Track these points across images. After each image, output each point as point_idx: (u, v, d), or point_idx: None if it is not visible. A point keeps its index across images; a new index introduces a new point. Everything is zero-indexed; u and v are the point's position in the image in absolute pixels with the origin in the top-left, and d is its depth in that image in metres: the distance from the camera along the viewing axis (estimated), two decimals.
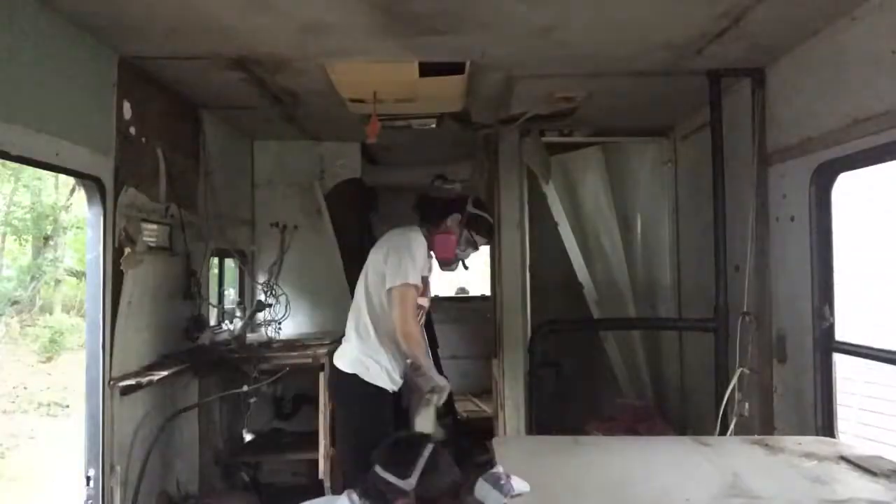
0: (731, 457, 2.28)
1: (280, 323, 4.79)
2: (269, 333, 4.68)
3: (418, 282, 3.15)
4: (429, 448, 2.18)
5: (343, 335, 3.40)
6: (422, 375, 3.16)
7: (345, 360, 3.24)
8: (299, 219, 5.20)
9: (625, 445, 2.55)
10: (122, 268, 3.10)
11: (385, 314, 3.18)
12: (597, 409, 4.90)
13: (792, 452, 2.23)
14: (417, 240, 3.23)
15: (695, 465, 2.25)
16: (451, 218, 3.33)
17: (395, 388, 3.27)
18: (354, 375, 3.17)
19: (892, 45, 2.37)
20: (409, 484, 2.10)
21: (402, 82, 3.55)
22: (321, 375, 4.01)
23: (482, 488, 1.97)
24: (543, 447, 2.61)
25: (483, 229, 3.42)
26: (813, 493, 1.88)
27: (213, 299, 4.61)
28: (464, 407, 7.08)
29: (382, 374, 3.20)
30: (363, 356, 3.20)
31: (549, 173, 4.72)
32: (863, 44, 2.56)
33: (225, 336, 4.51)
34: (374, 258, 3.25)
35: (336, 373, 3.27)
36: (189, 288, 3.88)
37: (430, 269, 3.35)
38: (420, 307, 3.26)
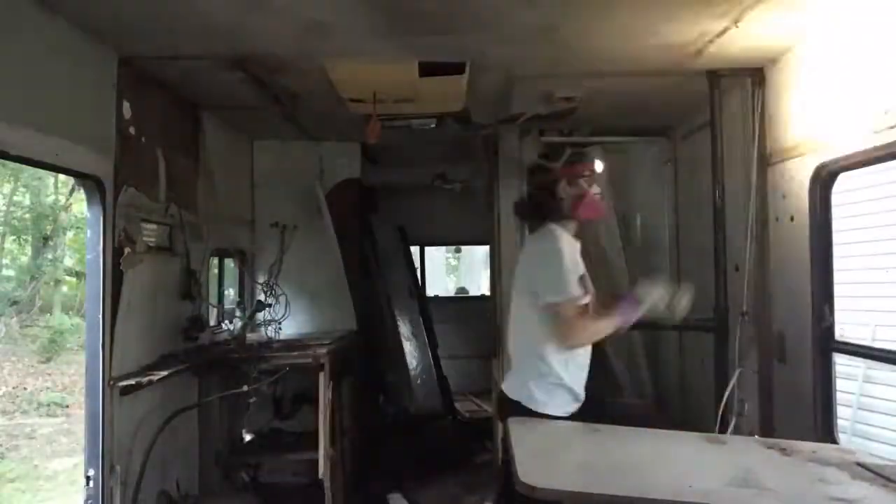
0: (745, 454, 2.29)
1: (280, 323, 4.79)
2: (269, 333, 4.68)
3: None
4: None
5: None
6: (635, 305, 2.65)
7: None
8: (299, 219, 5.20)
9: (640, 436, 2.56)
10: (121, 268, 3.10)
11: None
12: (596, 409, 4.90)
13: (808, 456, 2.23)
14: (557, 240, 2.65)
15: (707, 458, 2.26)
16: (561, 188, 2.74)
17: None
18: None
19: (892, 45, 2.37)
20: None
21: (402, 82, 3.55)
22: (321, 375, 4.01)
23: None
24: (560, 431, 2.61)
25: (583, 163, 2.80)
26: (824, 492, 1.88)
27: (213, 299, 4.61)
28: (464, 407, 7.10)
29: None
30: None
31: None
32: (863, 44, 2.56)
33: (225, 336, 4.51)
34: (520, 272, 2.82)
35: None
36: (189, 288, 3.87)
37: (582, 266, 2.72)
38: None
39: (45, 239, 13.35)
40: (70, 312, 13.06)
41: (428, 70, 3.34)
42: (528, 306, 2.70)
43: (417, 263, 7.72)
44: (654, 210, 4.88)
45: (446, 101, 3.96)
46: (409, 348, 6.48)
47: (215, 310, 4.61)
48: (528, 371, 2.69)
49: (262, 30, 2.84)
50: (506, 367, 2.92)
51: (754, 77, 3.33)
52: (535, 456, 2.16)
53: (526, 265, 2.80)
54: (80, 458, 2.92)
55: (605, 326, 2.65)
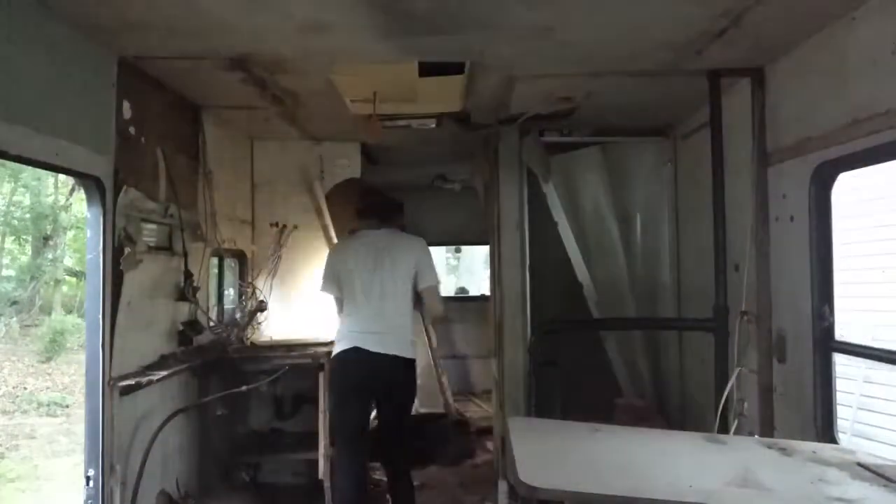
0: (745, 454, 2.29)
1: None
2: (269, 333, 4.68)
3: None
4: None
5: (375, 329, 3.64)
6: None
7: (408, 348, 3.67)
8: (299, 219, 5.20)
9: (640, 436, 2.55)
10: (121, 268, 3.10)
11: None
12: (597, 409, 4.90)
13: (808, 456, 2.23)
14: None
15: (707, 458, 2.26)
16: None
17: None
18: (413, 360, 3.69)
19: (892, 45, 2.37)
20: None
21: (402, 82, 3.54)
22: (321, 375, 4.01)
23: None
24: (560, 431, 2.62)
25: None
26: (824, 492, 1.88)
27: (213, 299, 4.61)
28: (464, 407, 7.09)
29: None
30: (411, 339, 3.72)
31: (549, 173, 4.72)
32: (863, 44, 2.56)
33: (224, 336, 4.51)
34: (403, 257, 3.73)
35: (405, 363, 3.64)
36: (188, 288, 3.87)
37: None
38: None
39: (45, 239, 13.37)
40: (70, 312, 13.07)
41: (428, 70, 3.34)
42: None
43: None
44: (654, 210, 4.88)
45: (446, 101, 3.96)
46: None
47: (215, 310, 4.61)
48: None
49: (262, 30, 2.84)
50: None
51: (754, 77, 3.33)
52: (536, 456, 2.16)
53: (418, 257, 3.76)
54: (80, 458, 2.92)
55: None
